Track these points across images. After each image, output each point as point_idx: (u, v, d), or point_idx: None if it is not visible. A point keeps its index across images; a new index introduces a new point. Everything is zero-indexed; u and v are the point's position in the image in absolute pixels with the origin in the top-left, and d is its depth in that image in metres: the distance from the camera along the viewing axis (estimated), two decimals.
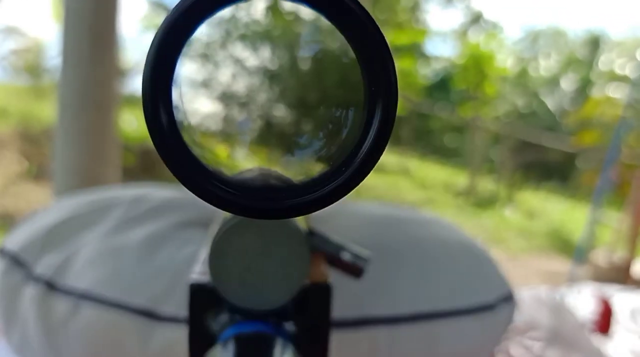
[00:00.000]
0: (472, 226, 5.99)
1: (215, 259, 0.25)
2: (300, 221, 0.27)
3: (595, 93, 9.36)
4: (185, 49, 0.16)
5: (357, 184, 0.17)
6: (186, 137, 0.17)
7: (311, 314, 0.26)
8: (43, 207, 0.68)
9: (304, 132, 0.19)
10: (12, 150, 4.84)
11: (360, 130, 0.16)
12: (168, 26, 0.15)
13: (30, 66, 6.65)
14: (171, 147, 0.16)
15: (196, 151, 0.17)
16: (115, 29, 2.21)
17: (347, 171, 0.17)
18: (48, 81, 6.13)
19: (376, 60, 0.16)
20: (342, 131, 0.17)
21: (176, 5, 0.15)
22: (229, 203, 0.17)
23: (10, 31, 6.72)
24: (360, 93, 0.16)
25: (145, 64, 0.15)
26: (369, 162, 0.17)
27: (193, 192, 0.17)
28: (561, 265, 4.81)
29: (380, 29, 0.16)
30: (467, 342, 0.56)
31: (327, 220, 0.64)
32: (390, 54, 0.16)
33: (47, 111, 4.74)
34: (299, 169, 0.20)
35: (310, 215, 0.26)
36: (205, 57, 0.19)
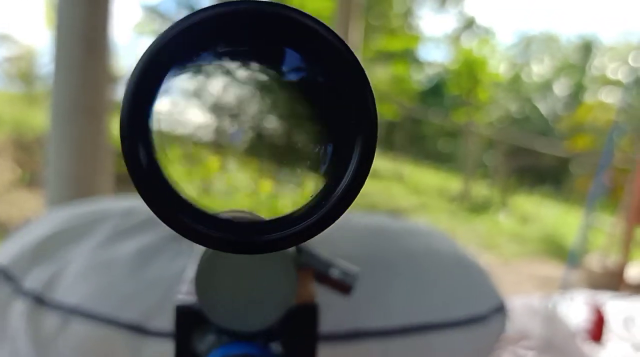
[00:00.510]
0: (465, 231, 6.00)
1: (202, 280, 0.24)
2: None
3: (588, 98, 9.41)
4: (162, 89, 0.16)
5: (337, 218, 0.17)
6: (163, 161, 0.17)
7: (298, 334, 0.26)
8: (34, 218, 0.68)
9: (296, 158, 0.19)
10: (5, 157, 4.82)
11: (338, 166, 0.16)
12: (140, 72, 0.15)
13: (23, 74, 6.64)
14: (151, 187, 0.16)
15: (173, 173, 0.17)
16: (107, 36, 2.21)
17: (324, 207, 0.17)
18: (41, 88, 6.12)
19: (357, 98, 0.16)
20: (320, 167, 0.17)
21: (147, 48, 0.15)
22: (215, 241, 0.17)
23: (3, 39, 6.70)
24: (339, 129, 0.16)
25: (122, 109, 0.15)
26: (348, 197, 0.17)
27: (177, 232, 0.17)
28: (554, 270, 4.81)
29: (362, 66, 0.16)
30: (459, 353, 0.56)
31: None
32: (372, 92, 0.16)
33: (40, 118, 4.73)
34: (292, 180, 0.20)
35: None
36: (197, 68, 0.18)
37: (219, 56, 0.17)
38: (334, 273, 0.32)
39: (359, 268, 0.35)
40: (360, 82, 0.16)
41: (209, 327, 0.26)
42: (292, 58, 0.17)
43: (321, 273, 0.32)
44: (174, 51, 0.15)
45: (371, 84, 0.16)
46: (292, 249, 0.26)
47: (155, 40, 0.15)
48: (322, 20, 0.16)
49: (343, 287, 0.33)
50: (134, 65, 0.15)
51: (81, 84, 2.13)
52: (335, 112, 0.17)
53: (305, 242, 0.33)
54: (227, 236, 0.17)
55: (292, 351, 0.26)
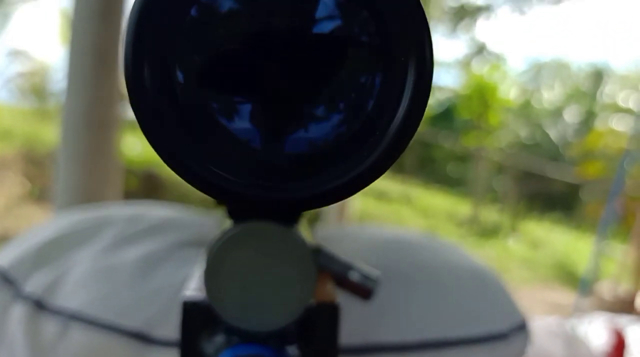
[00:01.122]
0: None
1: (212, 274, 0.22)
2: (306, 236, 0.25)
3: (599, 125, 9.42)
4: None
5: (395, 159, 0.14)
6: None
7: (317, 337, 0.24)
8: (37, 224, 0.67)
9: (320, 102, 0.16)
10: (16, 171, 4.87)
11: (390, 100, 0.14)
12: None
13: (36, 89, 6.74)
14: (159, 121, 0.14)
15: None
16: (117, 50, 2.23)
17: (381, 145, 0.14)
18: (53, 104, 6.20)
19: (406, 13, 0.13)
20: (367, 102, 0.14)
21: None
22: (233, 195, 0.14)
23: (17, 54, 6.80)
24: (388, 55, 0.14)
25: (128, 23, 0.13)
26: (406, 133, 0.14)
27: (190, 183, 0.14)
28: (565, 297, 4.77)
29: None
30: None
31: (333, 243, 0.62)
32: (426, 20, 0.13)
33: (52, 134, 4.78)
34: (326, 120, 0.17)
35: (315, 234, 0.24)
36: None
37: None
38: (354, 276, 0.30)
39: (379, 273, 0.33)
40: None
41: (218, 326, 0.24)
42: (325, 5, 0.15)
43: (340, 275, 0.30)
44: None
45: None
46: (310, 245, 0.24)
47: None
48: None
49: (363, 291, 0.31)
50: None
51: (93, 99, 2.14)
52: (380, 39, 0.14)
53: (324, 245, 0.31)
54: (260, 185, 0.14)
55: (311, 356, 0.24)
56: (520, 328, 0.58)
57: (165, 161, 0.14)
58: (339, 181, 0.14)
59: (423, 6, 0.13)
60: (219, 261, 0.22)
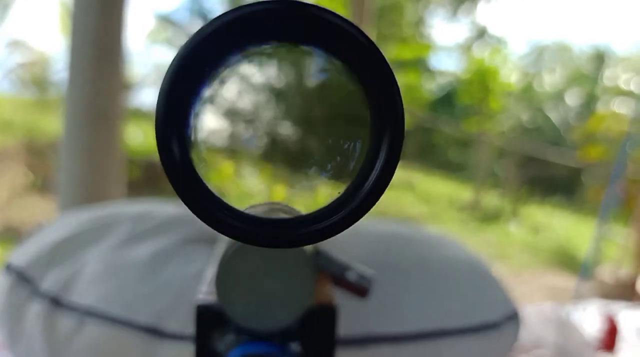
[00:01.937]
0: (476, 241, 5.97)
1: (222, 280, 0.25)
2: None
3: (601, 108, 9.36)
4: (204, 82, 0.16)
5: (362, 215, 0.17)
6: (196, 158, 0.17)
7: (316, 334, 0.27)
8: (48, 221, 0.69)
9: (312, 163, 0.19)
10: (18, 162, 4.86)
11: (366, 163, 0.17)
12: (177, 67, 0.16)
13: (37, 79, 6.70)
14: (185, 180, 0.17)
15: (203, 171, 0.17)
16: (121, 43, 2.23)
17: (352, 203, 0.17)
18: (54, 94, 6.17)
19: (385, 97, 0.16)
20: (349, 164, 0.18)
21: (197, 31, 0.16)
22: (240, 233, 0.17)
23: (17, 45, 6.77)
24: (366, 127, 0.16)
25: (157, 103, 0.16)
26: (376, 193, 0.17)
27: (205, 222, 0.17)
28: (566, 281, 4.78)
29: (390, 65, 0.16)
30: None
31: (332, 239, 0.64)
32: (399, 92, 0.16)
33: (53, 124, 4.77)
34: (306, 185, 0.20)
35: None
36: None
37: (247, 57, 0.18)
38: (351, 276, 0.33)
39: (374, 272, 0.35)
40: (385, 77, 0.16)
41: (228, 326, 0.26)
42: (318, 56, 0.17)
43: (338, 276, 0.32)
44: (208, 48, 0.16)
45: (396, 79, 0.16)
46: (310, 251, 0.27)
47: (192, 37, 0.16)
48: (348, 19, 0.16)
49: (360, 290, 0.33)
50: (171, 61, 0.15)
51: (95, 90, 2.14)
52: (362, 110, 0.17)
53: (323, 246, 0.33)
54: (253, 230, 0.17)
55: (311, 351, 0.26)
56: (512, 317, 0.61)
57: (191, 208, 0.17)
58: (324, 224, 0.17)
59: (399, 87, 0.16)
60: (229, 269, 0.25)
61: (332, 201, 0.18)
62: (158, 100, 0.16)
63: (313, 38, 0.16)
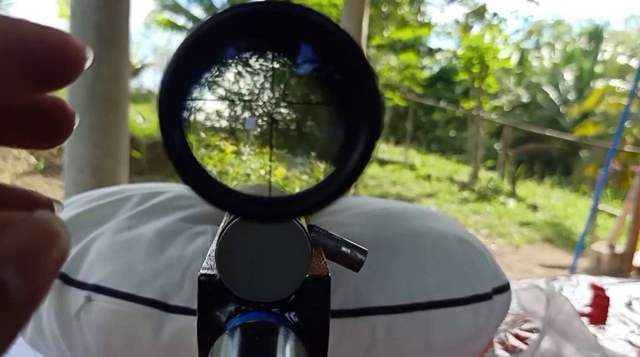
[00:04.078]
0: (474, 218, 6.00)
1: (222, 254, 0.26)
2: (302, 218, 0.29)
3: (598, 84, 9.33)
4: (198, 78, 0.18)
5: (339, 197, 0.20)
6: (193, 140, 0.19)
7: (312, 304, 0.28)
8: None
9: (306, 146, 0.21)
10: None
11: (347, 148, 0.19)
12: (175, 63, 0.17)
13: None
14: (185, 164, 0.19)
15: (201, 153, 0.19)
16: (124, 27, 2.22)
17: (331, 186, 0.19)
18: None
19: (364, 89, 0.18)
20: (333, 148, 0.20)
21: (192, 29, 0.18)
22: (235, 209, 0.19)
23: None
24: (349, 117, 0.18)
25: (158, 98, 0.17)
26: (350, 181, 0.19)
27: (204, 199, 0.19)
28: (563, 256, 4.81)
29: (368, 60, 0.18)
30: (462, 331, 0.58)
31: (326, 214, 0.66)
32: (377, 84, 0.18)
33: None
34: (302, 165, 0.22)
35: None
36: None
37: (241, 50, 0.20)
38: (344, 250, 0.34)
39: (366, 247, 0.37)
40: (366, 75, 0.18)
41: (229, 298, 0.28)
42: (306, 51, 0.19)
43: (332, 250, 0.34)
44: (204, 45, 0.18)
45: (377, 76, 0.18)
46: (305, 227, 0.29)
47: (189, 34, 0.17)
48: (331, 18, 0.18)
49: (353, 263, 0.34)
50: (169, 57, 0.17)
51: (98, 74, 2.14)
52: (346, 101, 0.19)
53: (318, 223, 0.35)
54: (243, 207, 0.19)
55: (307, 320, 0.28)
56: (503, 290, 0.62)
57: (189, 186, 0.19)
58: (302, 204, 0.20)
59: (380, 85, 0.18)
60: (228, 243, 0.27)
61: (313, 185, 0.20)
62: (159, 90, 0.17)
63: (300, 34, 0.18)
